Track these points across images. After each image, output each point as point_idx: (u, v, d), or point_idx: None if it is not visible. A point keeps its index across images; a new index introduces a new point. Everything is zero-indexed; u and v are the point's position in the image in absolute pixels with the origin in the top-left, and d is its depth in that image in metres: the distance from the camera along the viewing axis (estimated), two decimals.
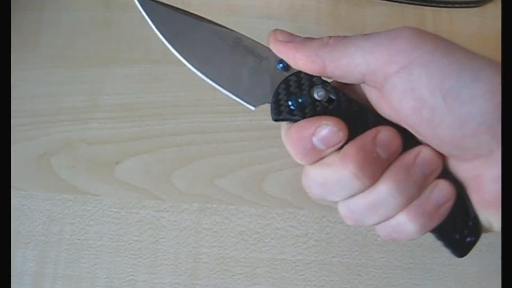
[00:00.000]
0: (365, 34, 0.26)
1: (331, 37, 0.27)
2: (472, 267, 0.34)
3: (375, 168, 0.25)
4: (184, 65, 0.39)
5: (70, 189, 0.37)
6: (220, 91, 0.29)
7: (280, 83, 0.28)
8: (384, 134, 0.26)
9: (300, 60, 0.27)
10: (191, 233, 0.36)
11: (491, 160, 0.24)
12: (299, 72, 0.28)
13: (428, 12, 0.40)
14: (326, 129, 0.26)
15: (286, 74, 0.28)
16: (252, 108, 0.28)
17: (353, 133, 0.26)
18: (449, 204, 0.26)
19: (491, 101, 0.23)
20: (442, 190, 0.26)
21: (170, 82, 0.38)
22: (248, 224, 0.36)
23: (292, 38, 0.27)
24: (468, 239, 0.27)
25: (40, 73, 0.39)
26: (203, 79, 0.29)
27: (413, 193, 0.26)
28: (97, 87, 0.39)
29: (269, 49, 0.28)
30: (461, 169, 0.26)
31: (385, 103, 0.26)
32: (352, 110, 0.27)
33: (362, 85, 0.28)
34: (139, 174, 0.37)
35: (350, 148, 0.26)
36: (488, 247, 0.34)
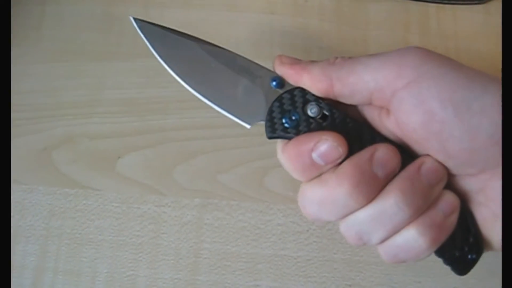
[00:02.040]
0: (372, 54, 0.26)
1: (337, 57, 0.27)
2: None
3: (371, 187, 0.25)
4: None
5: (71, 183, 0.37)
6: (217, 111, 0.29)
7: (274, 101, 0.28)
8: (382, 152, 0.25)
9: (307, 80, 0.27)
10: (192, 228, 0.36)
11: (499, 172, 0.24)
12: (293, 89, 0.28)
13: (431, 8, 0.39)
14: (325, 145, 0.25)
15: (280, 91, 0.28)
16: (248, 126, 0.29)
17: (349, 150, 0.26)
18: (456, 214, 0.25)
19: (500, 113, 0.23)
20: (448, 200, 0.25)
21: (172, 77, 0.38)
22: (250, 220, 0.35)
23: (297, 61, 0.28)
24: (469, 256, 0.27)
25: (41, 67, 0.39)
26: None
27: (420, 204, 0.25)
28: (98, 82, 0.39)
29: (262, 67, 0.29)
30: (464, 184, 0.26)
31: (391, 120, 0.26)
32: (347, 126, 0.27)
33: (364, 107, 0.28)
34: (141, 169, 0.37)
35: (347, 166, 0.25)
36: None
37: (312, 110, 0.27)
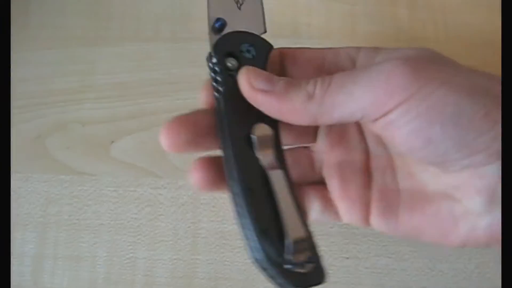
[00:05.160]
0: (354, 73, 0.25)
1: (316, 82, 0.25)
2: None
3: None
4: (176, 42, 0.39)
5: (66, 170, 0.37)
6: None
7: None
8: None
9: (287, 114, 0.25)
10: (189, 208, 0.36)
11: (481, 171, 0.24)
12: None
13: None
14: None
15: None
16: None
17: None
18: None
19: (487, 123, 0.23)
20: None
21: (162, 59, 0.38)
22: None
23: (271, 86, 0.25)
24: None
25: (30, 55, 0.39)
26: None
27: None
28: (89, 67, 0.39)
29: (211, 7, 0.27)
30: (443, 178, 0.26)
31: (373, 127, 0.26)
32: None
33: None
34: (135, 152, 0.37)
35: None
36: None
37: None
